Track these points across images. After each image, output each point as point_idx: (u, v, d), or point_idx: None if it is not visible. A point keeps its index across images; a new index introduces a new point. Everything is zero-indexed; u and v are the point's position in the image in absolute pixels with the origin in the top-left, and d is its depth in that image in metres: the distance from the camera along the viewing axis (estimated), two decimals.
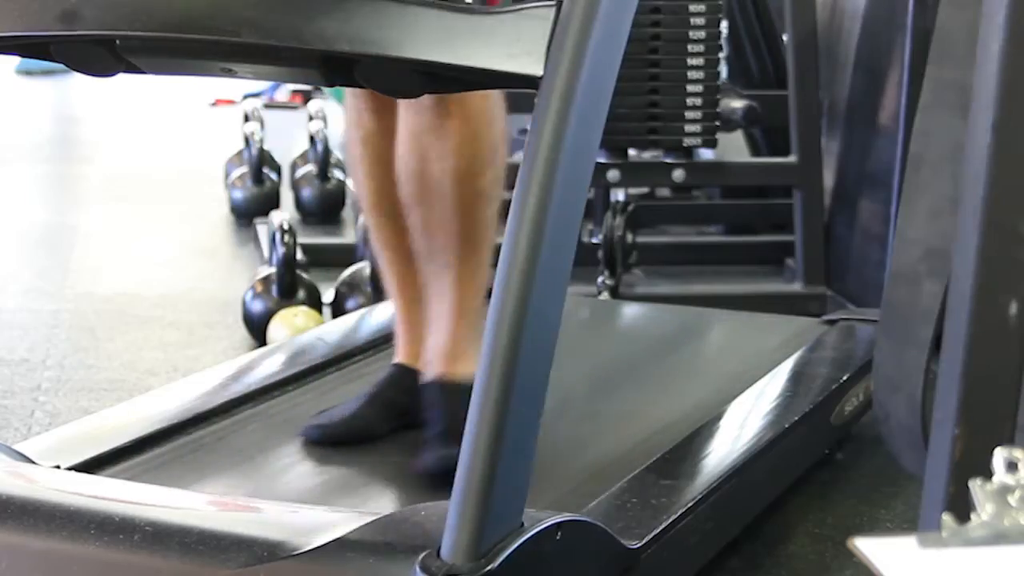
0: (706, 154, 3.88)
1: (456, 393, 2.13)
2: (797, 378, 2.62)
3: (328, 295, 3.51)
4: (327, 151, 4.78)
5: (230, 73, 1.72)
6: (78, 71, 1.73)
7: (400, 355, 2.36)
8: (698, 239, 4.41)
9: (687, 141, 3.57)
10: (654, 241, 4.10)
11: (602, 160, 3.53)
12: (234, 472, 2.18)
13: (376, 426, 2.28)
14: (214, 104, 7.47)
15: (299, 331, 3.14)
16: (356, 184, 2.37)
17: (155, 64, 1.71)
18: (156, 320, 3.66)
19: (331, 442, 2.25)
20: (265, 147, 4.84)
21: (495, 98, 2.19)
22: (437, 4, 1.59)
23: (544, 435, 1.64)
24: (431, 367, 2.24)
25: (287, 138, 5.62)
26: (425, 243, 2.23)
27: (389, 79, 1.66)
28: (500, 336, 1.52)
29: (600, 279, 3.48)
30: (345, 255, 3.78)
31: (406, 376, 2.32)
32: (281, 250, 3.42)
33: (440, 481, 1.98)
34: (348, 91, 2.33)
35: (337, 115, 6.22)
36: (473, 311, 2.22)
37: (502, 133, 2.20)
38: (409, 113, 2.18)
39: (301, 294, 3.44)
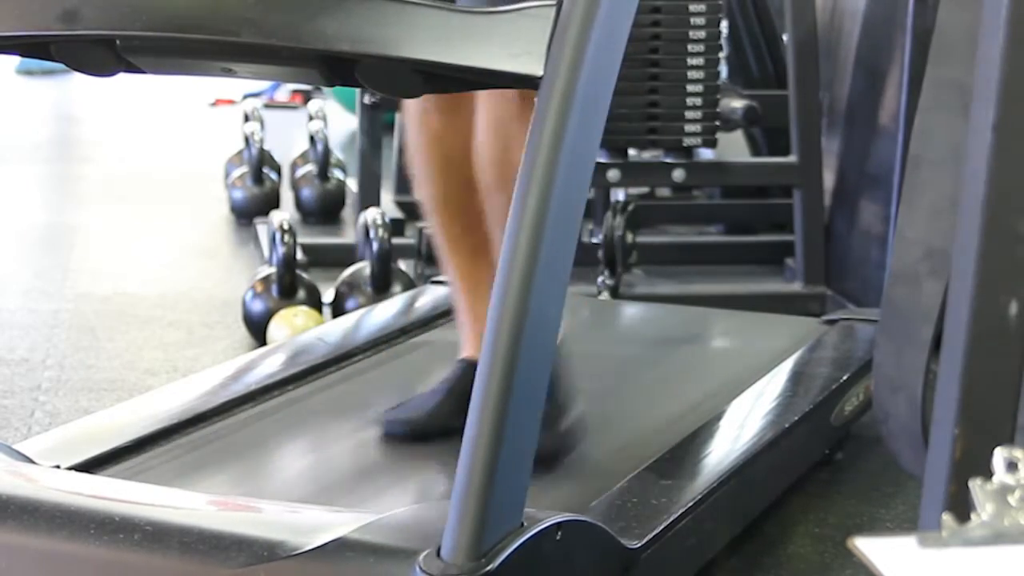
0: (706, 154, 3.88)
1: None
2: (797, 378, 2.62)
3: (328, 295, 3.51)
4: (327, 151, 4.78)
5: (230, 73, 1.72)
6: (78, 71, 1.73)
7: (466, 350, 2.35)
8: (698, 239, 4.41)
9: (687, 141, 3.57)
10: (654, 241, 4.10)
11: (602, 160, 3.53)
12: (234, 472, 2.18)
13: (453, 420, 2.21)
14: (214, 104, 7.47)
15: (299, 331, 3.14)
16: (421, 186, 2.35)
17: (155, 64, 1.71)
18: (156, 320, 3.66)
19: (415, 436, 2.28)
20: (265, 147, 4.84)
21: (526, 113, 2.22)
22: (437, 4, 1.59)
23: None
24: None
25: (287, 138, 5.62)
26: (500, 230, 2.24)
27: (389, 79, 1.66)
28: (500, 336, 1.52)
29: (600, 279, 3.48)
30: (345, 255, 3.78)
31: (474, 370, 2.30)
32: (281, 250, 3.42)
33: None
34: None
35: (337, 115, 6.24)
36: None
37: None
38: (492, 101, 2.19)
39: (301, 294, 3.44)
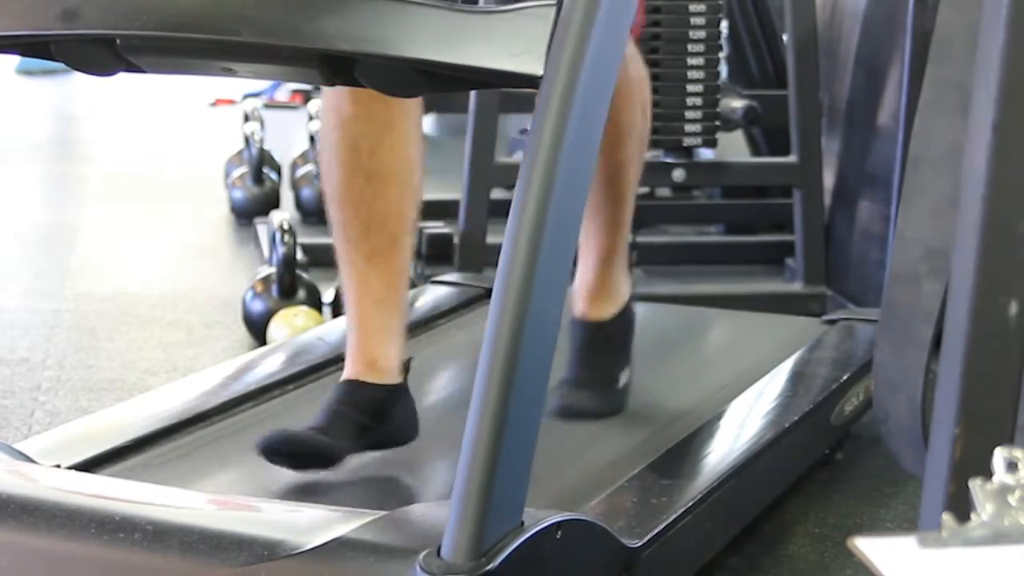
0: (706, 154, 3.88)
1: (598, 333, 2.45)
2: (797, 378, 2.61)
3: (328, 295, 3.51)
4: None
5: (230, 73, 1.73)
6: (78, 70, 1.73)
7: (348, 370, 2.16)
8: (698, 239, 4.41)
9: (687, 141, 3.57)
10: (654, 241, 4.10)
11: None
12: (234, 472, 2.18)
13: (341, 447, 2.09)
14: (214, 104, 7.46)
15: (299, 331, 3.14)
16: (325, 174, 2.20)
17: (155, 63, 1.71)
18: (156, 320, 3.66)
19: (290, 460, 2.06)
20: (265, 147, 4.84)
21: (633, 71, 2.36)
22: (437, 4, 1.59)
23: (545, 435, 1.64)
24: (576, 306, 2.44)
25: (287, 138, 5.62)
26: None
27: (389, 78, 1.66)
28: (500, 336, 1.52)
29: None
30: None
31: (361, 391, 2.14)
32: (281, 250, 3.42)
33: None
34: None
35: None
36: (617, 256, 2.47)
37: (644, 102, 2.42)
38: None
39: (301, 294, 3.44)
